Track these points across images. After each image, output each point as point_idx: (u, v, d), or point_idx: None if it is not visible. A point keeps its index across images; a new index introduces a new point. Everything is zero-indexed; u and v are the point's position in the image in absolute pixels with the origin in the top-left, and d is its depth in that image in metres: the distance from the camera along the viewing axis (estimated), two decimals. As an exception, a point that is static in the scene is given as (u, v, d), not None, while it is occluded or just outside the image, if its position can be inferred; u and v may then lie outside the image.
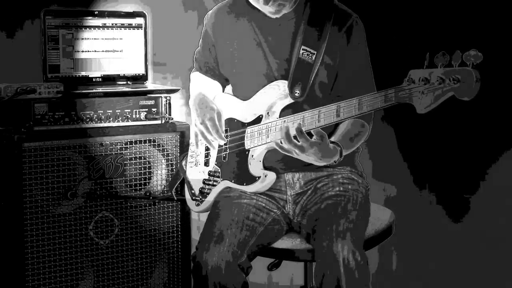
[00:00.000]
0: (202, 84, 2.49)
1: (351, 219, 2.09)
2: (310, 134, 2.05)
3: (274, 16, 2.27)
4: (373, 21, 2.46)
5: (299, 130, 2.03)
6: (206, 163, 2.40)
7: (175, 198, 2.52)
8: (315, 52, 2.21)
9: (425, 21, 3.08)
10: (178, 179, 2.50)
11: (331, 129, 2.23)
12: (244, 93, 2.33)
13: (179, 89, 2.77)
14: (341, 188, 2.23)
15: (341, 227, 2.05)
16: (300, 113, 2.10)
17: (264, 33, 2.29)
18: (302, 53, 2.22)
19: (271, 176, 2.23)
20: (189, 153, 2.48)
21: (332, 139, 2.15)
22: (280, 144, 2.08)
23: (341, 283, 1.98)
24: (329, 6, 2.27)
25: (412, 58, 1.93)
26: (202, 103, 2.38)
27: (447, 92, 1.77)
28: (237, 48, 2.34)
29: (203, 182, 2.39)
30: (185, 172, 2.46)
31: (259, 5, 2.23)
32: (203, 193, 2.37)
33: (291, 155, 2.08)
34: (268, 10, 2.24)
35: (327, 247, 2.01)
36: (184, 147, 2.71)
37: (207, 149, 2.41)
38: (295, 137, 2.04)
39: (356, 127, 2.25)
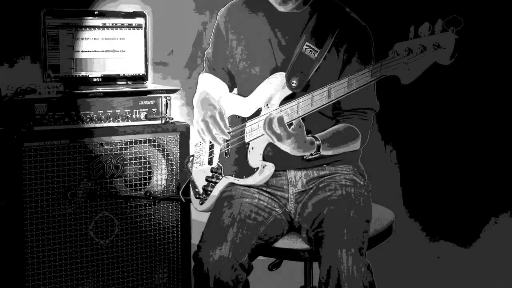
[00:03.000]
0: (209, 84, 2.50)
1: (354, 227, 2.09)
2: (290, 125, 2.08)
3: (281, 8, 2.29)
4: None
5: (281, 119, 2.06)
6: (210, 162, 2.41)
7: (183, 200, 2.53)
8: (318, 50, 2.23)
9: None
10: (184, 182, 2.51)
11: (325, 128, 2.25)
12: (250, 90, 2.34)
13: (179, 89, 2.77)
14: (344, 192, 2.23)
15: (344, 236, 2.05)
16: (295, 99, 2.13)
17: (274, 29, 2.31)
18: (306, 48, 2.23)
19: (270, 167, 2.24)
20: (195, 154, 2.49)
21: (317, 134, 2.17)
22: (264, 127, 2.11)
23: None
24: (339, 13, 2.29)
25: (398, 32, 1.96)
26: (204, 101, 2.39)
27: (429, 59, 1.82)
28: (246, 43, 2.35)
29: (206, 180, 2.39)
30: (191, 173, 2.47)
31: None
32: (207, 191, 2.38)
33: (269, 140, 2.12)
34: (274, 0, 2.26)
35: (330, 258, 2.02)
36: (184, 147, 2.71)
37: (211, 147, 2.42)
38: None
39: (347, 132, 2.26)
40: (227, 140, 2.35)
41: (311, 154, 2.15)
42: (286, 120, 2.11)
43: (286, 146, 2.09)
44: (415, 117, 3.23)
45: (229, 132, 2.34)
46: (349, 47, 2.26)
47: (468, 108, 3.13)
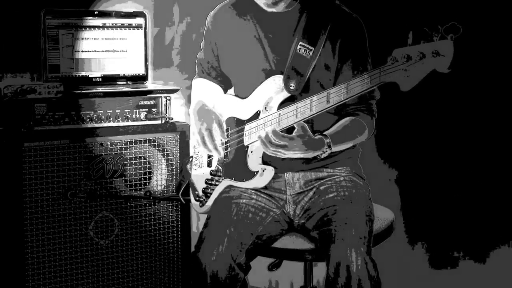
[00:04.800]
0: (203, 90, 2.50)
1: (361, 227, 2.11)
2: (291, 130, 2.09)
3: (270, 9, 2.28)
4: (359, 2, 2.47)
5: (275, 132, 2.08)
6: (209, 164, 2.41)
7: (183, 201, 2.53)
8: (313, 49, 2.22)
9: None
10: (183, 183, 2.51)
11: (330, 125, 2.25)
12: (245, 91, 2.34)
13: (179, 89, 2.77)
14: (347, 193, 2.23)
15: (353, 236, 2.06)
16: (293, 103, 2.12)
17: (265, 30, 2.31)
18: (300, 48, 2.23)
19: (270, 170, 2.24)
20: (194, 155, 2.49)
21: (325, 132, 2.18)
22: (266, 148, 2.11)
23: None
24: (329, 7, 2.28)
25: (397, 38, 1.96)
26: (201, 112, 2.39)
27: (428, 67, 1.82)
28: (238, 45, 2.35)
29: (206, 182, 2.39)
30: (190, 175, 2.47)
31: None
32: (206, 194, 2.38)
33: (278, 155, 2.11)
34: (263, 1, 2.25)
35: (340, 257, 2.03)
36: (184, 147, 2.71)
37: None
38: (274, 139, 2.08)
39: (354, 125, 2.26)
40: (226, 142, 2.35)
41: (323, 152, 2.15)
42: (285, 124, 2.12)
43: (297, 150, 2.09)
44: (414, 126, 3.20)
45: (227, 135, 2.34)
46: (343, 42, 2.25)
47: (469, 114, 3.11)
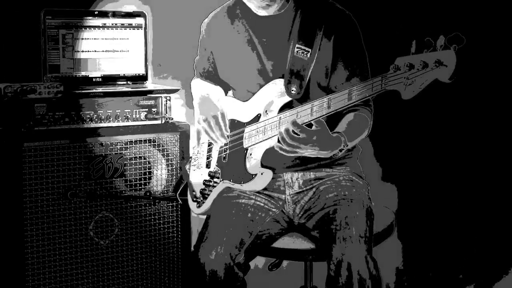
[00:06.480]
0: (205, 87, 2.50)
1: (361, 226, 2.11)
2: (310, 126, 2.06)
3: (262, 13, 2.27)
4: (363, 10, 2.46)
5: (294, 122, 2.04)
6: (208, 165, 2.41)
7: (180, 202, 2.53)
8: (310, 50, 2.22)
9: (413, 8, 3.09)
10: (182, 183, 2.51)
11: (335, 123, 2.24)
12: (243, 95, 2.34)
13: (179, 89, 2.77)
14: (346, 193, 2.23)
15: (354, 236, 2.06)
16: (294, 108, 2.12)
17: (259, 34, 2.30)
18: (297, 50, 2.22)
19: (268, 173, 2.23)
20: (193, 156, 2.49)
21: (335, 130, 2.16)
22: (282, 146, 2.07)
23: None
24: (322, 6, 2.27)
25: (400, 46, 1.96)
26: (207, 101, 2.39)
27: (430, 76, 1.82)
28: (233, 51, 2.35)
29: (204, 184, 2.39)
30: (188, 176, 2.47)
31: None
32: (204, 195, 2.38)
33: (295, 154, 2.08)
34: (255, 4, 2.24)
35: (341, 256, 2.03)
36: (184, 147, 2.71)
37: (208, 151, 2.41)
38: (294, 132, 2.05)
39: (360, 121, 2.25)
40: (225, 144, 2.35)
41: (340, 151, 2.13)
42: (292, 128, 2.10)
43: (315, 146, 2.05)
44: (414, 132, 3.20)
45: (228, 136, 2.34)
46: (337, 39, 2.23)
47: (470, 123, 3.11)
